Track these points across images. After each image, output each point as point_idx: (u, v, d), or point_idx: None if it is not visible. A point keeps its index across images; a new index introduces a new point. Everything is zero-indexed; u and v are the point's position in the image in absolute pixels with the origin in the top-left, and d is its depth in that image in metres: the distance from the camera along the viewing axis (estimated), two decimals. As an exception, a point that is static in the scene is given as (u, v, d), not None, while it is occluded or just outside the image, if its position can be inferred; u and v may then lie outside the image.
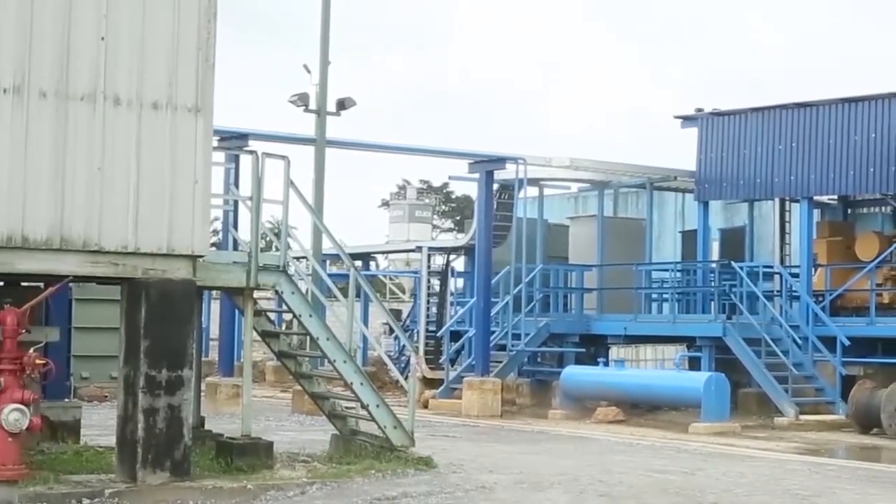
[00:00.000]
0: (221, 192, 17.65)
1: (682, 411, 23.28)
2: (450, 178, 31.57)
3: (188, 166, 12.65)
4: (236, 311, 20.65)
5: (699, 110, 27.86)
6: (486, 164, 25.49)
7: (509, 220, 27.86)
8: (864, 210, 30.01)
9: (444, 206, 74.79)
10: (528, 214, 27.61)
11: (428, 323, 29.98)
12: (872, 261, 25.12)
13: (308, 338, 14.90)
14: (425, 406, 25.32)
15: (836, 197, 28.59)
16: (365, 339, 29.26)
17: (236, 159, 20.15)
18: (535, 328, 26.07)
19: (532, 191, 30.06)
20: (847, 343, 23.36)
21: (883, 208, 28.98)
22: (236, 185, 20.03)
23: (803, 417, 22.59)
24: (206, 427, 15.47)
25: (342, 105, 23.93)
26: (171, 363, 12.52)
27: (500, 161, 25.59)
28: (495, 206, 27.85)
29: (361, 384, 14.61)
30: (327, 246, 24.13)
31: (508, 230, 27.84)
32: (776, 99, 27.24)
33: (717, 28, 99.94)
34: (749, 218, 30.00)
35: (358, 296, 17.28)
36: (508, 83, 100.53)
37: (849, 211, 29.53)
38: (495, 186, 27.50)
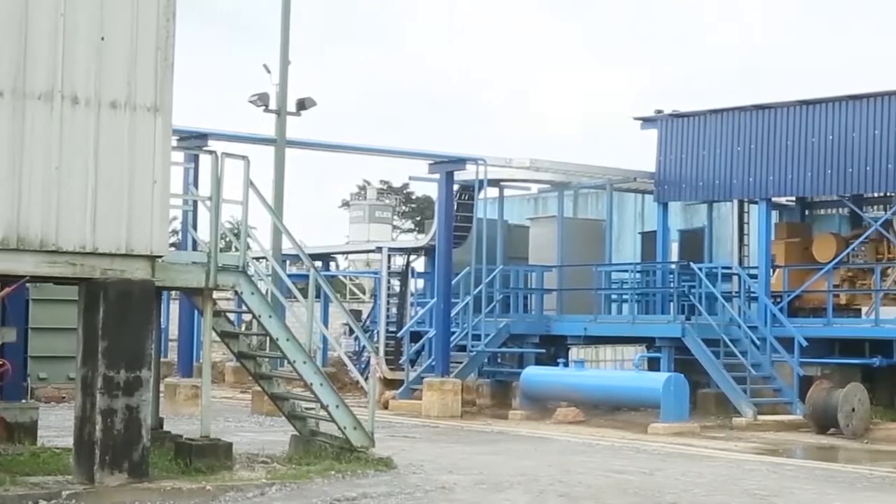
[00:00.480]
0: (181, 192, 17.57)
1: (641, 412, 23.38)
2: (410, 178, 31.59)
3: (147, 166, 12.60)
4: (195, 312, 20.56)
5: (659, 112, 28.00)
6: (447, 165, 25.50)
7: (469, 220, 27.88)
8: (822, 211, 30.25)
9: (404, 207, 74.77)
10: (489, 215, 27.66)
11: (388, 323, 29.99)
12: (829, 262, 25.35)
13: (268, 338, 14.87)
14: (385, 407, 25.31)
15: (793, 198, 28.81)
16: (325, 340, 29.23)
17: (196, 159, 20.11)
18: (496, 329, 26.11)
19: (492, 192, 30.06)
20: (804, 344, 23.55)
21: (840, 210, 29.25)
22: (196, 185, 19.96)
23: (761, 418, 22.74)
24: (165, 428, 15.41)
25: (302, 105, 23.90)
26: (129, 364, 12.46)
27: (461, 162, 25.62)
28: (455, 207, 27.88)
29: (321, 385, 14.60)
30: (287, 246, 24.08)
31: (469, 231, 27.87)
32: (736, 101, 27.41)
33: (678, 30, 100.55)
34: (708, 219, 30.16)
35: (318, 296, 17.28)
36: (469, 84, 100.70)
37: (806, 212, 29.75)
38: (455, 187, 27.51)
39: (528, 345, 26.82)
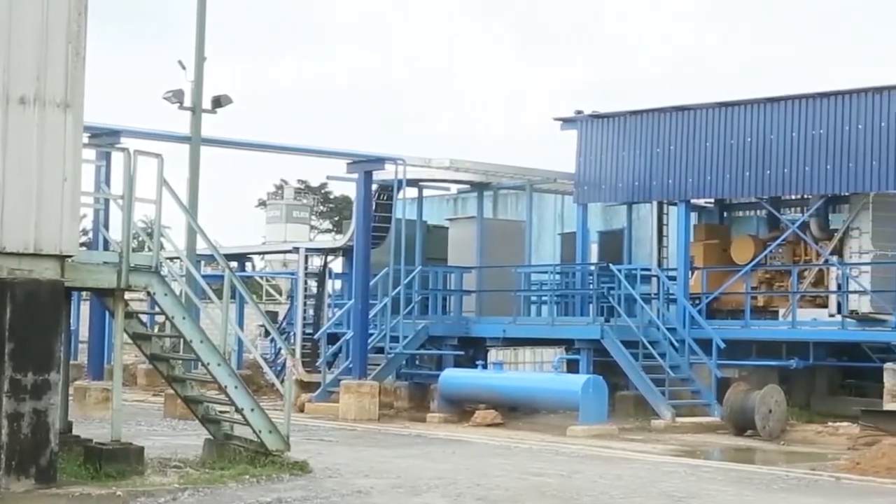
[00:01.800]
0: (92, 190, 17.36)
1: (560, 414, 23.49)
2: (328, 178, 31.50)
3: (57, 163, 12.44)
4: (106, 313, 20.32)
5: (579, 112, 28.16)
6: (365, 165, 25.45)
7: (388, 221, 27.85)
8: (740, 213, 30.65)
9: (322, 207, 74.52)
10: (407, 215, 27.65)
11: (305, 325, 29.86)
12: (747, 264, 25.71)
13: (181, 340, 14.74)
14: (301, 410, 25.19)
15: (712, 200, 29.16)
16: (240, 342, 29.01)
17: (108, 157, 19.86)
18: (414, 330, 26.09)
19: (411, 192, 30.06)
20: (722, 345, 23.85)
21: (758, 212, 29.65)
22: (107, 183, 19.72)
23: (679, 419, 22.99)
24: (75, 432, 15.21)
25: (218, 102, 23.71)
26: (37, 366, 12.29)
27: (379, 161, 25.59)
28: (374, 207, 27.87)
29: (236, 387, 14.51)
30: (202, 246, 23.88)
31: (387, 231, 27.86)
32: (656, 103, 27.68)
33: (598, 31, 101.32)
34: (627, 221, 30.44)
35: (233, 297, 17.18)
36: (389, 83, 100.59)
37: (725, 214, 30.14)
38: (374, 187, 27.50)
39: (447, 347, 26.84)
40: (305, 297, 30.36)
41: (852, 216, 24.78)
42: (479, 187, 30.27)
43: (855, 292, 24.06)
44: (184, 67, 23.18)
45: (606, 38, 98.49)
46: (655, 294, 26.18)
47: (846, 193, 24.65)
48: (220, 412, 15.32)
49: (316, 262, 32.68)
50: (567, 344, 24.91)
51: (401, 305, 25.82)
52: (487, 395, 23.82)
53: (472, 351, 26.63)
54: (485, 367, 24.75)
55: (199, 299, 17.83)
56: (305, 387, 27.23)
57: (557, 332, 25.27)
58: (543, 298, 28.45)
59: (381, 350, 25.83)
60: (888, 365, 21.70)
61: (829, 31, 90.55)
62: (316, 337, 28.67)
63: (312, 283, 31.67)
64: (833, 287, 24.90)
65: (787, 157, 24.15)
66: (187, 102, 23.23)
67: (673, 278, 26.26)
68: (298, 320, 29.83)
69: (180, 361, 15.64)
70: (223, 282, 15.12)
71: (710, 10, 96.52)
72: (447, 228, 31.20)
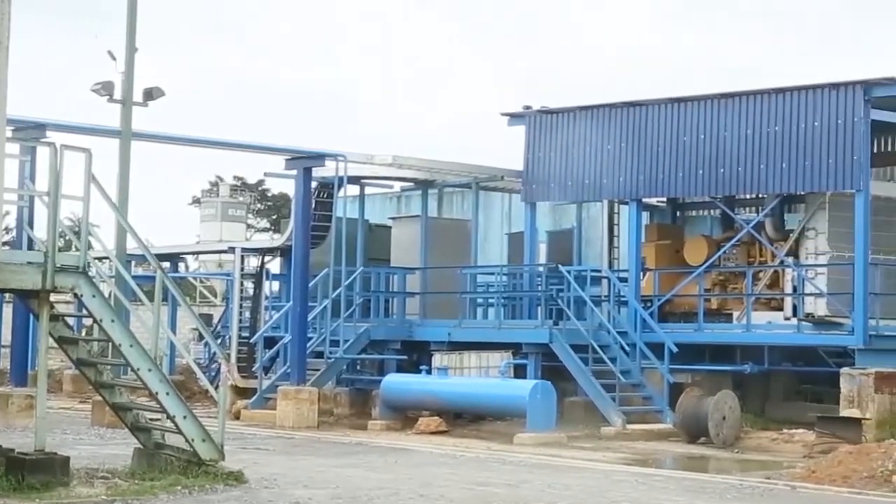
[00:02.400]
0: (15, 186, 17.14)
1: (507, 421, 23.53)
2: (265, 174, 31.29)
3: (-23, 158, 12.25)
4: (31, 316, 20.08)
5: (527, 108, 28.20)
6: (304, 161, 25.36)
7: (328, 219, 27.78)
8: (693, 213, 30.84)
9: (259, 205, 74.26)
10: (349, 214, 27.58)
11: (241, 329, 29.72)
12: (700, 265, 25.85)
13: (110, 344, 14.61)
14: (237, 417, 25.06)
15: (665, 199, 29.32)
16: (172, 346, 28.83)
17: (33, 152, 19.62)
18: (355, 334, 26.03)
19: (353, 189, 29.99)
20: (675, 350, 23.97)
21: (711, 211, 29.83)
22: (32, 179, 19.48)
23: (630, 427, 23.08)
24: (-4, 442, 15.01)
25: (150, 95, 23.52)
26: (-44, 372, 12.10)
27: (319, 157, 25.51)
28: (314, 206, 27.79)
29: (167, 394, 14.39)
30: (132, 246, 23.68)
31: (327, 231, 27.77)
32: (607, 98, 27.73)
33: (546, 25, 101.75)
34: (577, 220, 30.55)
35: (165, 299, 17.05)
36: (331, 77, 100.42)
37: (678, 214, 30.31)
38: (314, 184, 27.40)
39: (389, 351, 26.82)
40: (241, 299, 30.21)
41: (808, 216, 25.00)
42: (423, 185, 30.26)
43: (811, 295, 24.27)
44: (114, 58, 22.99)
45: (556, 31, 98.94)
46: (606, 296, 26.27)
47: (802, 193, 24.87)
48: (151, 420, 15.20)
49: (253, 262, 32.54)
50: (514, 348, 24.95)
51: (341, 308, 25.75)
52: (432, 401, 23.82)
53: (416, 355, 26.59)
54: (429, 372, 24.75)
55: (130, 301, 17.68)
56: (241, 393, 27.08)
57: (504, 336, 25.31)
58: (490, 301, 28.48)
59: (320, 354, 25.75)
60: (845, 370, 21.89)
61: (785, 29, 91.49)
62: (252, 341, 28.52)
63: (249, 285, 31.53)
64: (788, 289, 25.11)
65: (742, 155, 24.32)
66: (117, 95, 23.03)
67: (624, 280, 26.38)
68: (234, 323, 29.68)
69: (109, 367, 15.49)
70: (154, 283, 14.99)
71: (664, 4, 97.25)
72: (390, 228, 31.17)
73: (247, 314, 30.23)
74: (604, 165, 26.43)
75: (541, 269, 27.19)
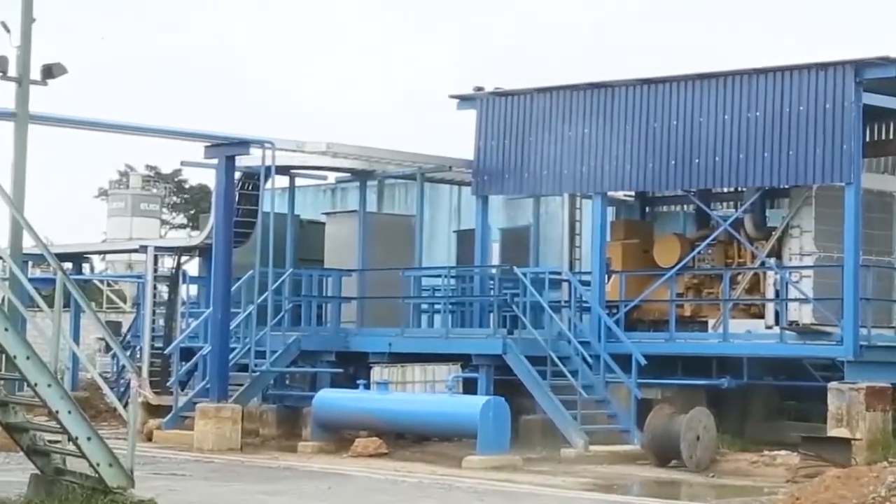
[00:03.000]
0: None
1: (455, 442, 23.54)
2: (182, 163, 31.08)
3: None
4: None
5: (478, 89, 28.16)
6: (227, 148, 25.25)
7: (254, 215, 27.72)
8: (665, 208, 30.95)
9: (175, 198, 73.89)
10: (277, 209, 27.50)
11: (154, 338, 29.55)
12: (673, 267, 25.95)
13: (3, 356, 14.47)
14: (149, 439, 24.94)
15: (633, 193, 29.41)
16: (75, 358, 28.65)
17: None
18: (284, 345, 25.97)
19: (282, 181, 29.93)
20: (643, 362, 24.06)
21: (685, 207, 29.97)
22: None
23: (593, 448, 23.15)
24: None
25: (50, 73, 23.30)
26: None
27: (244, 144, 25.41)
28: (237, 199, 27.68)
29: (69, 413, 14.28)
30: (29, 244, 23.46)
31: (253, 227, 27.71)
32: (569, 79, 27.84)
33: (497, 2, 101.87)
34: (534, 216, 30.58)
35: (67, 305, 16.92)
36: (258, 56, 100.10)
37: (647, 209, 30.41)
38: (238, 175, 27.30)
39: (323, 363, 26.78)
40: (154, 304, 30.03)
41: (793, 212, 25.15)
42: (361, 176, 30.20)
43: (795, 300, 24.42)
44: (8, 30, 22.75)
45: (515, 4, 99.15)
46: (566, 302, 26.33)
47: (786, 186, 25.02)
48: (50, 442, 15.08)
49: (167, 263, 32.37)
50: (463, 360, 24.97)
51: (268, 315, 25.63)
52: (370, 420, 23.79)
53: (353, 368, 26.56)
54: (367, 387, 24.71)
55: (26, 307, 17.51)
56: (154, 411, 26.94)
57: (452, 347, 25.32)
58: (436, 307, 28.46)
59: (244, 368, 25.65)
60: (833, 385, 22.07)
61: (766, 7, 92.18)
62: (167, 352, 28.37)
63: (163, 289, 31.33)
64: (770, 294, 25.25)
65: (719, 144, 24.44)
66: (12, 72, 22.79)
67: (587, 283, 26.45)
68: (146, 332, 29.51)
69: (2, 382, 15.35)
70: (55, 287, 14.87)
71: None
72: (323, 224, 31.11)
73: (160, 322, 30.04)
74: (564, 155, 26.47)
75: (493, 271, 27.20)
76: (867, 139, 25.96)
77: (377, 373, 25.29)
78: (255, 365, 25.51)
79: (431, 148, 30.42)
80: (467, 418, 22.28)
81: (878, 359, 22.92)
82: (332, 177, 32.66)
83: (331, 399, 24.68)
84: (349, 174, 30.88)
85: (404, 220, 31.16)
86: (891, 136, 27.41)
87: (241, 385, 25.44)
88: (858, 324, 22.78)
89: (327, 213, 32.09)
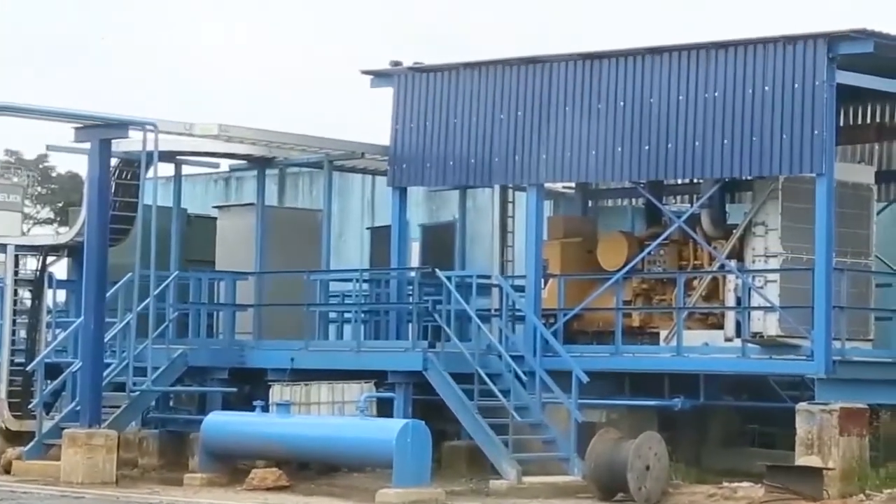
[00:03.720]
0: None
1: (368, 473, 23.56)
2: (48, 148, 30.82)
3: None
4: None
5: (396, 64, 28.14)
6: (101, 130, 25.09)
7: (134, 208, 27.49)
8: (610, 203, 31.06)
9: (40, 188, 73.26)
10: (161, 201, 27.23)
11: (14, 352, 29.23)
12: (619, 270, 26.03)
13: None
14: (7, 471, 24.78)
15: (573, 185, 29.50)
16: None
17: None
18: (168, 360, 25.87)
19: (167, 168, 29.77)
20: (585, 380, 24.07)
21: (634, 201, 30.07)
22: None
23: (527, 479, 23.15)
24: None
25: None
26: None
27: (121, 126, 25.24)
28: (113, 190, 27.44)
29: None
30: None
31: (132, 223, 27.49)
32: (500, 52, 27.82)
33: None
34: (461, 211, 30.56)
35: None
36: (139, 23, 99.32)
37: (590, 203, 30.48)
38: (114, 161, 27.07)
39: (214, 382, 26.70)
40: (15, 312, 29.72)
41: (756, 208, 25.27)
42: (259, 164, 30.06)
43: (759, 309, 24.56)
44: None
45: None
46: (497, 310, 26.39)
47: (748, 178, 25.20)
48: None
49: (31, 264, 32.02)
50: (378, 377, 24.95)
51: (150, 325, 25.49)
52: (269, 447, 23.71)
53: (249, 387, 26.52)
54: (265, 409, 24.62)
55: None
56: (14, 438, 26.71)
57: (365, 362, 25.30)
58: (346, 315, 28.39)
59: (121, 387, 25.47)
60: (802, 406, 22.20)
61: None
62: (29, 369, 28.11)
63: (25, 294, 31.00)
64: (731, 302, 25.36)
65: (672, 129, 24.54)
66: None
67: (521, 289, 26.51)
68: (5, 345, 29.20)
69: None
70: None
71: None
72: (215, 219, 30.99)
73: (22, 333, 29.74)
74: (495, 140, 26.51)
75: (412, 274, 27.19)
76: (841, 124, 26.21)
77: (277, 392, 25.21)
78: (134, 384, 25.28)
79: (341, 132, 30.13)
80: (382, 445, 22.22)
81: (853, 376, 23.11)
82: (225, 164, 32.49)
83: (223, 423, 24.56)
84: (245, 161, 30.68)
85: (309, 214, 31.08)
86: (868, 121, 27.79)
87: (118, 407, 25.25)
88: (831, 336, 22.91)
89: (219, 207, 31.90)
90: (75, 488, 22.87)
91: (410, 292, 26.84)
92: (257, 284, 28.28)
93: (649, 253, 26.45)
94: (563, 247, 27.86)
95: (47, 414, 26.71)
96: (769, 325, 24.45)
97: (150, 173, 26.67)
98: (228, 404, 26.09)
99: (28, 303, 30.50)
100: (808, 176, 23.56)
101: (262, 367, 26.54)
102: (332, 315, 28.71)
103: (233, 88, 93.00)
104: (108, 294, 25.53)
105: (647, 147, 24.83)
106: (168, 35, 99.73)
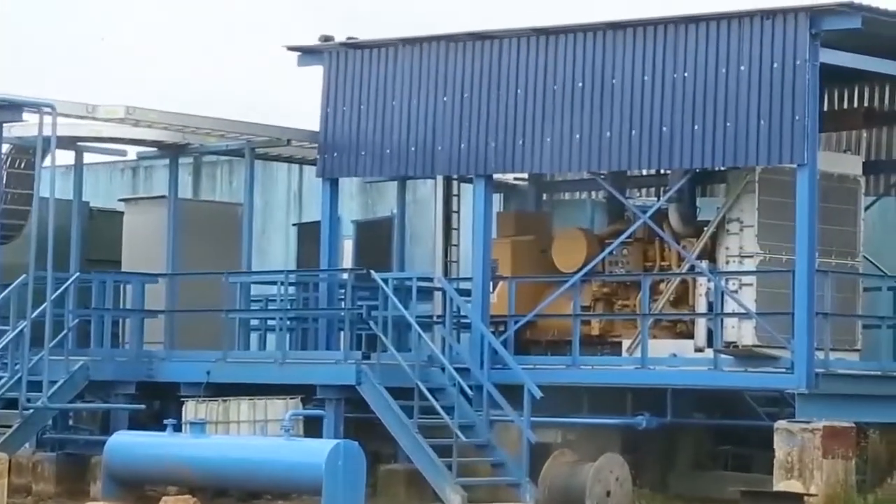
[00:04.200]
0: None
1: (294, 500, 23.48)
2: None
3: None
4: None
5: (326, 39, 28.02)
6: (-9, 113, 24.91)
7: (28, 201, 27.32)
8: (567, 196, 31.02)
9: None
10: (59, 194, 26.98)
11: None
12: (577, 271, 25.96)
13: None
14: None
15: (525, 176, 29.41)
16: None
17: None
18: (67, 373, 25.69)
19: (66, 156, 29.46)
20: (539, 395, 24.01)
21: (594, 194, 30.00)
22: None
23: (474, 507, 23.14)
24: None
25: None
26: None
27: (14, 108, 25.03)
28: (5, 180, 27.21)
29: None
30: None
31: (26, 218, 27.33)
32: (444, 27, 27.73)
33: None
34: (399, 205, 30.49)
35: None
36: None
37: (545, 197, 30.48)
38: (5, 148, 26.90)
39: (119, 398, 26.52)
40: None
41: (730, 202, 25.30)
42: (171, 151, 29.90)
43: (734, 315, 24.58)
44: None
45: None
46: (440, 317, 26.33)
47: (722, 168, 25.21)
48: None
49: None
50: (305, 393, 24.87)
51: (46, 333, 25.22)
52: (181, 471, 23.53)
53: (159, 404, 26.45)
54: (178, 428, 24.46)
55: None
56: None
57: (291, 375, 25.20)
58: (270, 323, 28.24)
59: (13, 403, 25.20)
60: (781, 424, 22.18)
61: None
62: None
63: None
64: (702, 308, 25.37)
65: (637, 113, 24.55)
66: None
67: (467, 293, 26.40)
68: None
69: None
70: None
71: None
72: (121, 214, 30.83)
73: None
74: (438, 126, 26.44)
75: (345, 276, 27.04)
76: (825, 108, 26.22)
77: (191, 410, 25.10)
78: (28, 400, 25.03)
79: (264, 116, 30.03)
80: (310, 469, 22.07)
81: (838, 391, 23.14)
82: (132, 152, 32.30)
83: (129, 444, 24.37)
84: (155, 148, 30.55)
85: (228, 209, 30.98)
86: (855, 105, 27.81)
87: (9, 427, 25.05)
88: (814, 346, 22.96)
89: (126, 200, 31.74)
90: (-43, 519, 22.59)
91: (342, 297, 26.72)
92: (169, 287, 28.15)
93: (611, 253, 26.46)
94: (515, 246, 27.82)
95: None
96: (744, 333, 24.50)
97: (47, 161, 26.43)
98: (135, 423, 25.96)
99: None
100: (789, 167, 23.60)
101: (173, 380, 26.40)
102: (254, 322, 28.59)
103: (144, 67, 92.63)
104: (-2, 298, 25.28)
105: (608, 134, 24.78)
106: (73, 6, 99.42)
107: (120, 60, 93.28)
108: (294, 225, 33.01)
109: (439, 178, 28.44)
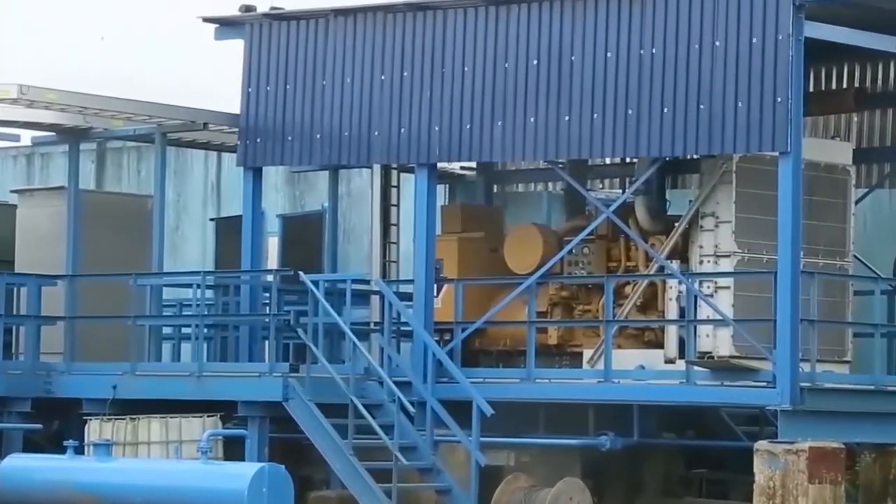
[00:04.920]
0: None
1: (212, 532, 23.49)
2: None
3: None
4: None
5: (248, 9, 27.96)
6: None
7: None
8: (521, 188, 31.12)
9: None
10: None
11: None
12: (532, 273, 26.08)
13: None
14: None
15: (474, 165, 29.52)
16: None
17: None
18: (-47, 388, 25.69)
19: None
20: (490, 411, 24.15)
21: (551, 186, 30.15)
22: None
23: (416, 538, 23.31)
24: None
25: None
26: None
27: None
28: None
29: None
30: None
31: None
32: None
33: None
34: (331, 198, 30.52)
35: None
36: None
37: (496, 189, 30.56)
38: None
39: (13, 416, 26.62)
40: None
41: (704, 195, 25.42)
42: (71, 136, 29.85)
43: (708, 322, 24.70)
44: None
45: None
46: (378, 324, 26.42)
47: (695, 157, 25.38)
48: None
49: None
50: (225, 410, 24.96)
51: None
52: (84, 499, 23.49)
53: (58, 423, 26.48)
54: (80, 450, 24.45)
55: None
56: None
57: (208, 390, 25.31)
58: (185, 331, 28.26)
59: None
60: (762, 445, 22.27)
61: None
62: None
63: None
64: (672, 314, 25.49)
65: (599, 94, 24.55)
66: None
67: (408, 297, 26.55)
68: None
69: None
70: None
71: None
72: (14, 207, 30.78)
73: None
74: (375, 108, 26.50)
75: (269, 277, 27.11)
76: (811, 89, 26.38)
77: (95, 429, 25.12)
78: None
79: (178, 97, 29.98)
80: (230, 496, 22.14)
81: (825, 407, 23.20)
82: (27, 136, 32.27)
83: (24, 468, 24.36)
84: (53, 133, 30.50)
85: (137, 201, 30.89)
86: (844, 85, 27.94)
87: None
88: (798, 357, 22.98)
89: (19, 191, 31.69)
90: None
91: (267, 301, 26.78)
92: (69, 291, 28.07)
93: (570, 252, 26.47)
94: (462, 244, 27.91)
95: None
96: (720, 343, 24.59)
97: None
98: (32, 445, 26.02)
99: None
100: (770, 155, 23.67)
101: (75, 396, 26.45)
102: (167, 330, 28.60)
103: (40, 44, 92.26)
104: None
105: (566, 118, 24.83)
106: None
107: (11, 33, 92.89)
108: (212, 220, 32.98)
109: (376, 168, 28.48)
